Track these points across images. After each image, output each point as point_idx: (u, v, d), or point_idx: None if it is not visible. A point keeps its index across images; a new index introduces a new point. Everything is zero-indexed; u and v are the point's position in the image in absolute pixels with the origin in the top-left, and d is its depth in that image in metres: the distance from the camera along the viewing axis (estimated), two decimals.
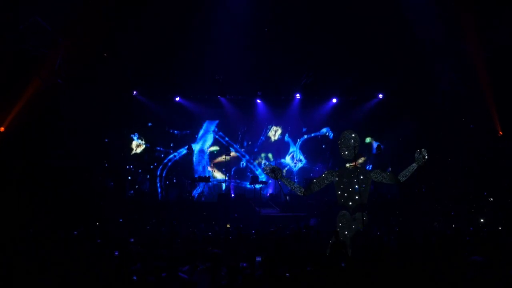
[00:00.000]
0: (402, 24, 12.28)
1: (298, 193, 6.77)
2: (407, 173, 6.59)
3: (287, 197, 13.41)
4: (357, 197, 6.44)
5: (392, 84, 15.44)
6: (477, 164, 13.43)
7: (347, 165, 6.87)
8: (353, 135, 6.76)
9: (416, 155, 6.50)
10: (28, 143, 12.45)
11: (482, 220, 10.04)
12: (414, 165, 6.48)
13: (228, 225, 10.49)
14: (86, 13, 11.79)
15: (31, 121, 12.43)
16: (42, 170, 12.68)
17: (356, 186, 6.46)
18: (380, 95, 16.34)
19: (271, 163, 7.39)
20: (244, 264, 5.57)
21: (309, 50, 13.84)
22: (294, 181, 6.77)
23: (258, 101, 16.74)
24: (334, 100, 16.57)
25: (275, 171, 6.60)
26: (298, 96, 16.35)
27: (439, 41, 13.03)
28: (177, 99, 16.16)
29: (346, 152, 6.66)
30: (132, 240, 7.67)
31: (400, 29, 12.48)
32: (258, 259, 5.95)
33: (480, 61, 12.32)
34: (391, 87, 15.71)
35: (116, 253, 6.16)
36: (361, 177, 6.50)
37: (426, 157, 6.43)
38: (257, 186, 14.66)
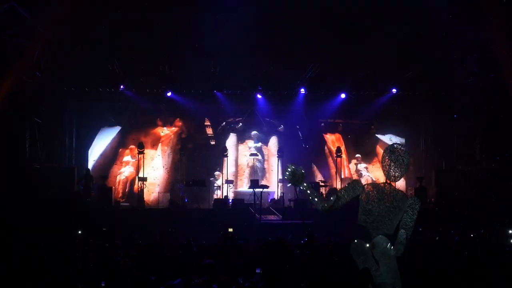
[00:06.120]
0: (416, 10, 12.20)
1: (319, 207, 5.24)
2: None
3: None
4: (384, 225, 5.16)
5: (407, 77, 15.37)
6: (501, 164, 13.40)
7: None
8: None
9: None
10: (3, 141, 12.40)
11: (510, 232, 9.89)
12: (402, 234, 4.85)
13: (231, 229, 10.45)
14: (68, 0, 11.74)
15: (7, 117, 12.38)
16: (18, 171, 12.64)
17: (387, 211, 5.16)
18: (394, 90, 16.27)
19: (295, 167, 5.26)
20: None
21: (315, 41, 13.76)
22: (315, 191, 5.30)
23: (259, 96, 16.70)
24: (343, 96, 16.51)
25: (299, 175, 5.29)
26: (302, 91, 16.30)
27: (458, 30, 12.95)
28: (169, 94, 16.11)
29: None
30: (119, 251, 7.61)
31: (415, 16, 12.40)
32: (258, 271, 5.91)
33: (504, 51, 12.19)
34: (405, 80, 15.63)
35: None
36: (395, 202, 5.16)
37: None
38: (257, 190, 14.58)
